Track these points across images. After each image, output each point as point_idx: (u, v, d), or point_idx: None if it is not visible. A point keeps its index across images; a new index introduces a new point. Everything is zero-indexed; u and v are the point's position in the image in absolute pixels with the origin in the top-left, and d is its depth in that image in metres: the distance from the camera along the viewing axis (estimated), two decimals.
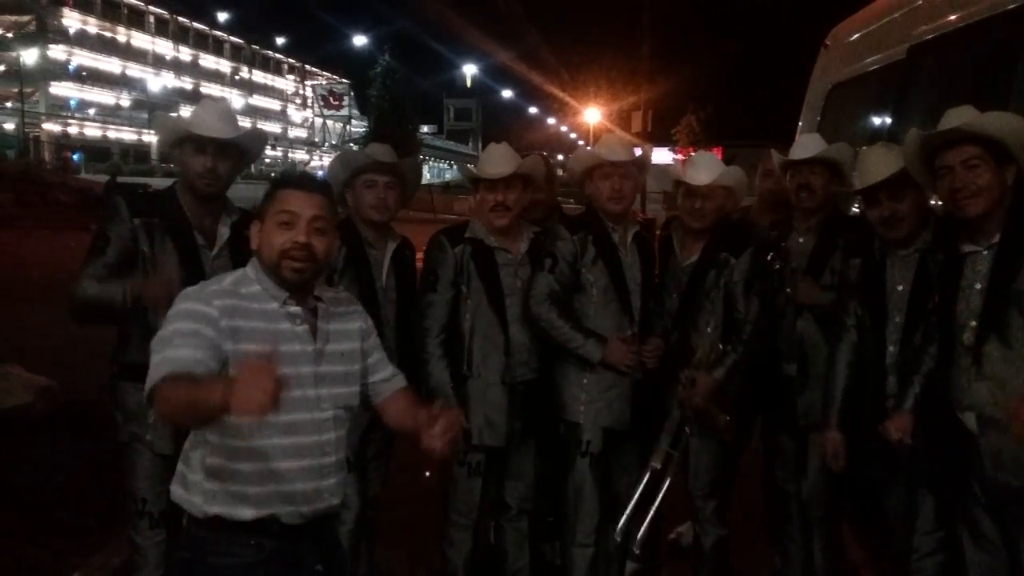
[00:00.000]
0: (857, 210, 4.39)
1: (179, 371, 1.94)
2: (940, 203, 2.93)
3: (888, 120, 4.68)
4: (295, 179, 2.27)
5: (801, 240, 3.60)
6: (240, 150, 3.04)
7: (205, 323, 2.06)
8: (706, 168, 3.49)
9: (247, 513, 2.11)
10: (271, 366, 1.76)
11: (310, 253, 2.16)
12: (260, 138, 3.18)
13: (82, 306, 2.91)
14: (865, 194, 3.09)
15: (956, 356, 2.73)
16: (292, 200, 2.18)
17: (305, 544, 2.21)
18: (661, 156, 31.69)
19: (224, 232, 3.01)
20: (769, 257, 3.59)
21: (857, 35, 5.52)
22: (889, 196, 3.00)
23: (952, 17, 4.09)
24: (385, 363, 2.48)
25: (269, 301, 2.17)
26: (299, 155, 76.09)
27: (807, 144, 3.61)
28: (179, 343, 2.02)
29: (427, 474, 3.33)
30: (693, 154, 3.89)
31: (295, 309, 2.20)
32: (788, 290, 3.54)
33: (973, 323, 2.67)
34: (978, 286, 2.67)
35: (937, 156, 2.72)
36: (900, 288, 3.04)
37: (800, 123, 6.13)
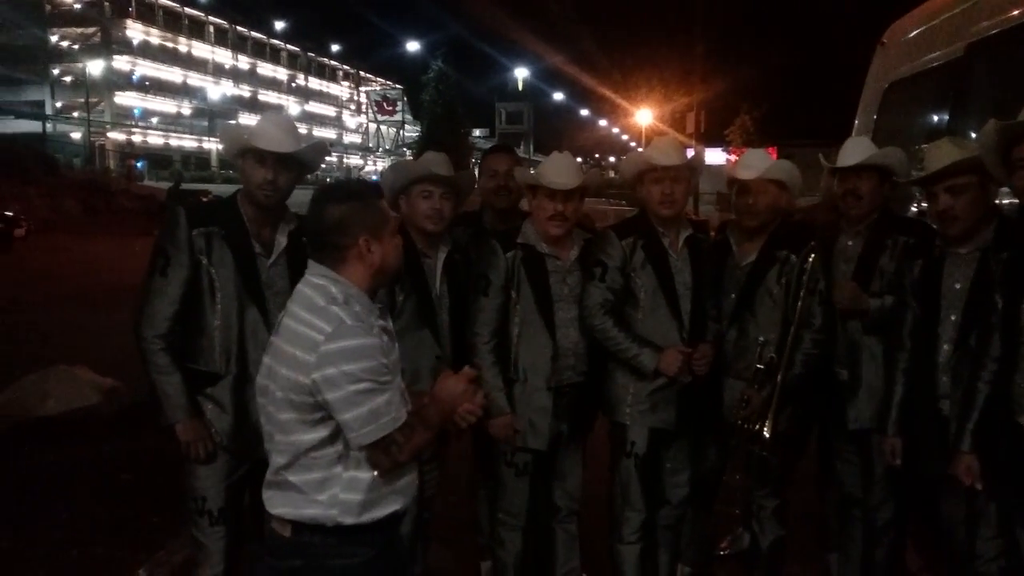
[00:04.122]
0: (915, 210, 4.33)
1: (404, 420, 2.20)
2: (1007, 201, 2.86)
3: (946, 119, 4.59)
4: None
5: (850, 243, 3.52)
6: (301, 162, 3.09)
7: (383, 355, 2.19)
8: (755, 164, 3.50)
9: (396, 506, 2.27)
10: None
11: None
12: (321, 151, 3.19)
13: (143, 359, 3.03)
14: (922, 186, 3.05)
15: (1018, 358, 2.67)
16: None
17: (398, 537, 2.36)
18: (714, 157, 31.34)
19: (282, 240, 3.08)
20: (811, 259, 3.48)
21: (914, 33, 5.42)
22: (944, 191, 2.94)
23: (1013, 13, 4.00)
24: None
25: (371, 317, 2.27)
26: (354, 160, 76.96)
27: (854, 149, 3.50)
28: (385, 387, 2.17)
29: None
30: (745, 152, 3.87)
31: (383, 322, 2.34)
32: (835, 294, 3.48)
33: None
34: None
35: (1015, 148, 2.66)
36: (958, 286, 2.98)
37: (856, 122, 6.04)
